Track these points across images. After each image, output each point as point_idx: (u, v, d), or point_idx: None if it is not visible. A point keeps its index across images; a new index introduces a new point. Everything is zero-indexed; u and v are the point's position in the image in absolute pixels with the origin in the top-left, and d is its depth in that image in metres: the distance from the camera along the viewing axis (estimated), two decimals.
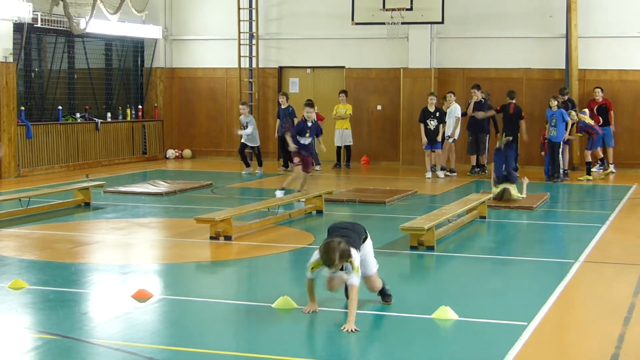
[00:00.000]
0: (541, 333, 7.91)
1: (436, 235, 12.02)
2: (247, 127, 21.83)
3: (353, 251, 8.19)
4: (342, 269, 8.28)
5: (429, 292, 9.88)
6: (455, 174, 21.51)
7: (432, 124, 21.08)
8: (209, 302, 9.06)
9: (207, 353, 7.27)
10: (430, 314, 8.36)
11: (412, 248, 11.78)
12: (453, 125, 21.50)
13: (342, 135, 23.12)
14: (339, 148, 23.21)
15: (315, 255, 8.29)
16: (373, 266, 8.73)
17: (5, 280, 9.74)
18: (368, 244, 8.71)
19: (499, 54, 23.42)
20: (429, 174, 21.04)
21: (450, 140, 21.56)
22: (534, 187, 17.77)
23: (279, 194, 16.47)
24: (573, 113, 20.56)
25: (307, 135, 16.61)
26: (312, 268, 8.34)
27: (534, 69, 23.25)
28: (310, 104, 16.95)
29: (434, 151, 21.21)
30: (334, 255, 8.03)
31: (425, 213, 13.32)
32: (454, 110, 21.56)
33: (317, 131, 16.96)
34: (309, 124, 16.69)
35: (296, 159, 16.80)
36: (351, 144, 23.31)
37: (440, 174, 21.04)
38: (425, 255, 11.64)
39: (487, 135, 21.66)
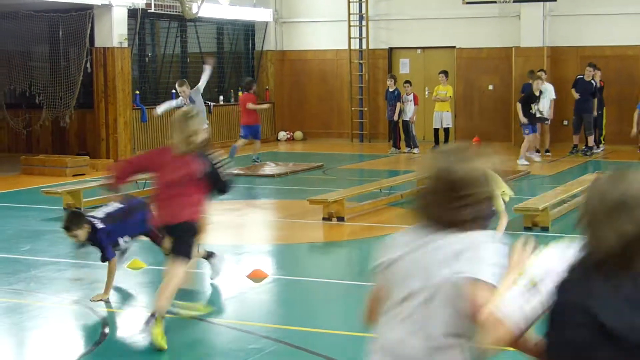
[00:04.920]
0: None
1: (551, 216, 11.84)
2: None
3: None
4: None
5: None
6: (549, 153, 21.02)
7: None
8: (322, 282, 9.13)
9: (320, 332, 7.34)
10: None
11: (526, 229, 11.64)
12: (548, 105, 20.92)
13: (442, 117, 22.49)
14: (436, 130, 22.43)
15: None
16: None
17: (124, 261, 9.98)
18: None
19: (614, 30, 22.79)
20: (537, 157, 20.51)
21: (547, 122, 21.00)
22: None
23: None
24: None
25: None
26: None
27: None
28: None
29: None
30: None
31: (539, 194, 13.13)
32: (549, 91, 20.96)
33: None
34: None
35: None
36: (449, 126, 22.51)
37: (536, 157, 20.53)
38: (539, 237, 11.46)
39: (591, 115, 21.02)
